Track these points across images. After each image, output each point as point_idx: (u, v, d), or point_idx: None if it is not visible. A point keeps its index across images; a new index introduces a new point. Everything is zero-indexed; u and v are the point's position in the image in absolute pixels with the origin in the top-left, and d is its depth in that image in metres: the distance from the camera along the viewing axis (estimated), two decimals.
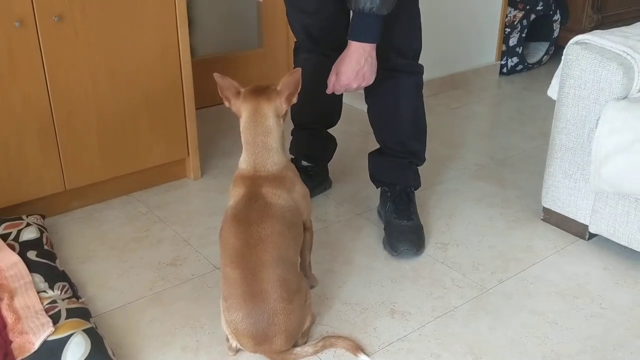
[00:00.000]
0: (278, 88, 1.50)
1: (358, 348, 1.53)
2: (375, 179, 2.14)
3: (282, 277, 1.43)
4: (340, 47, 1.77)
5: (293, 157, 2.28)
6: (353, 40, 1.70)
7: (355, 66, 1.70)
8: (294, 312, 1.45)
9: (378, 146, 2.12)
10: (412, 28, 1.94)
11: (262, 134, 1.49)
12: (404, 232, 1.96)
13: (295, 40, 2.18)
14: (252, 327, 1.42)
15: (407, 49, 1.95)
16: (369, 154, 2.15)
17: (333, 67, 1.74)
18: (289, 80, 1.49)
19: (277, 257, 1.44)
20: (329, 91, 1.77)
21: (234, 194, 1.52)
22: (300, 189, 1.57)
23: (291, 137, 2.29)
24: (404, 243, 1.93)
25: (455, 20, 3.35)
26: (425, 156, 2.11)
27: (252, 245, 1.43)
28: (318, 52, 2.06)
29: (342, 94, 2.18)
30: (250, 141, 1.51)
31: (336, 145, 2.33)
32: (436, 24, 3.25)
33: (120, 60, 2.06)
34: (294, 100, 1.52)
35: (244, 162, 1.53)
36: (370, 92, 2.05)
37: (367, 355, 1.52)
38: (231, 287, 1.44)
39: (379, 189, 2.13)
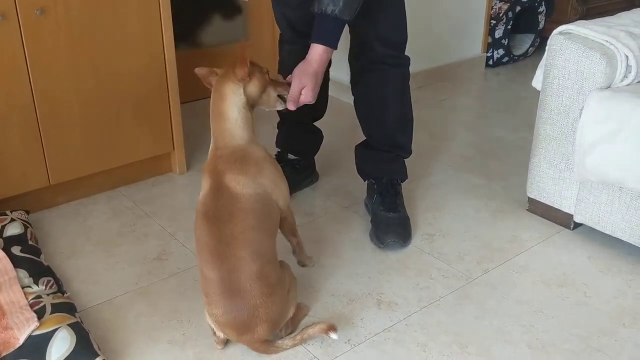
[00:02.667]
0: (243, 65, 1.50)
1: (329, 328, 1.50)
2: (362, 172, 2.14)
3: (260, 272, 1.42)
4: None
5: (279, 150, 2.27)
6: (315, 42, 1.67)
7: (316, 70, 1.64)
8: (275, 304, 1.45)
9: (364, 138, 2.12)
10: (397, 19, 1.94)
11: (217, 100, 1.50)
12: (391, 224, 1.96)
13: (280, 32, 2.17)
14: (233, 321, 1.42)
15: (392, 40, 1.95)
16: (356, 146, 2.15)
17: (294, 75, 1.64)
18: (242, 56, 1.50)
19: (252, 252, 1.42)
20: (291, 106, 1.63)
21: (203, 186, 1.51)
22: (269, 173, 1.51)
23: (277, 131, 2.28)
24: (390, 235, 1.93)
25: (441, 12, 3.35)
26: (412, 149, 2.11)
27: (225, 243, 1.42)
28: (302, 44, 2.05)
29: (327, 86, 2.18)
30: (210, 114, 1.52)
31: (322, 138, 2.33)
32: (422, 16, 3.25)
33: (104, 54, 2.05)
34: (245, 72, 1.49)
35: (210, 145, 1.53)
36: (357, 84, 2.05)
37: (335, 333, 1.50)
38: (210, 287, 1.43)
39: (366, 181, 2.13)
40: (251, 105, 1.53)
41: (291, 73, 1.69)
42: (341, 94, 3.19)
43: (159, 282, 1.79)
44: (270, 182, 1.52)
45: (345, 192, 2.30)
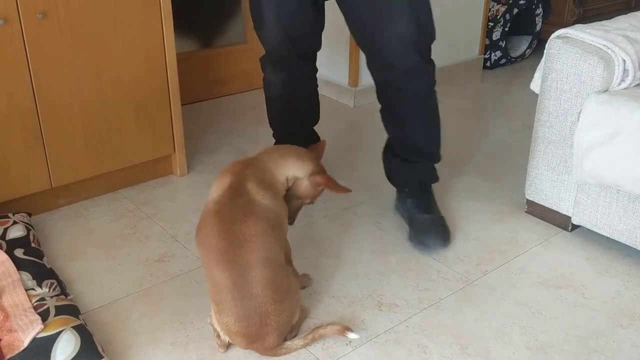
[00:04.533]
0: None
1: (345, 329, 1.53)
2: (392, 179, 2.11)
3: (271, 278, 1.42)
4: (311, 57, 1.84)
5: None
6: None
7: None
8: (285, 311, 1.46)
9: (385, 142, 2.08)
10: (419, 6, 1.81)
11: (281, 153, 1.61)
12: (429, 225, 1.97)
13: (263, 55, 2.09)
14: (245, 330, 1.43)
15: (412, 40, 1.78)
16: (383, 152, 2.10)
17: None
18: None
19: (264, 258, 1.42)
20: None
21: (218, 185, 1.50)
22: (285, 209, 1.57)
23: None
24: (431, 236, 1.94)
25: (439, 14, 3.36)
26: (441, 154, 2.06)
27: (237, 245, 1.41)
28: (288, 69, 2.02)
29: (318, 100, 2.20)
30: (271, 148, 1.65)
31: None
32: None
33: (106, 57, 2.06)
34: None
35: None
36: (377, 95, 1.99)
37: (354, 332, 1.54)
38: (221, 293, 1.43)
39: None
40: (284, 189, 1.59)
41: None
42: (339, 96, 3.21)
43: (161, 284, 1.81)
44: (283, 212, 1.54)
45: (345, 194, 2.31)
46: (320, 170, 1.59)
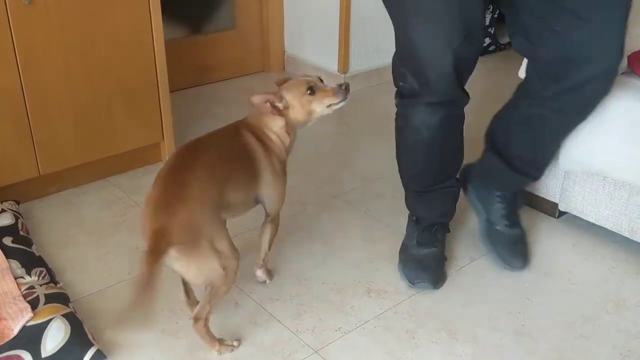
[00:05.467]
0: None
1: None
2: (487, 181, 1.93)
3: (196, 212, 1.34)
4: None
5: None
6: None
7: None
8: (196, 231, 1.34)
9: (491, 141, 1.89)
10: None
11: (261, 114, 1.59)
12: (518, 242, 1.88)
13: (406, 94, 1.66)
14: (155, 199, 1.36)
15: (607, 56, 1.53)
16: (486, 150, 1.90)
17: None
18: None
19: (205, 184, 1.38)
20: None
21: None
22: (272, 172, 1.57)
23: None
24: (518, 257, 1.84)
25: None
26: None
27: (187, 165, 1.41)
28: (449, 106, 1.66)
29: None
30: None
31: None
32: None
33: (94, 43, 2.04)
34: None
35: None
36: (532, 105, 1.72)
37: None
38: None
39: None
40: (293, 127, 1.60)
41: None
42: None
43: None
44: (268, 180, 1.56)
45: (335, 181, 2.32)
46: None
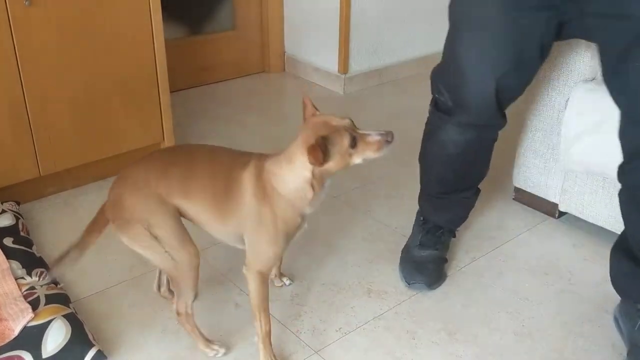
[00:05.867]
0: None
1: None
2: (620, 287, 1.61)
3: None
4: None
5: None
6: None
7: None
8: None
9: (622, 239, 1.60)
10: None
11: (291, 152, 1.34)
12: None
13: (441, 108, 1.62)
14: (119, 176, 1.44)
15: None
16: (614, 249, 1.63)
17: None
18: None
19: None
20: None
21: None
22: (266, 229, 1.36)
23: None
24: None
25: (428, 1, 3.36)
26: None
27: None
28: (482, 130, 1.61)
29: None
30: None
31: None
32: (409, 6, 3.26)
33: (93, 44, 2.05)
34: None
35: None
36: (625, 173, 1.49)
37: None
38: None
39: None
40: (320, 179, 1.35)
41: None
42: (328, 83, 3.21)
43: (152, 272, 1.80)
44: (255, 232, 1.38)
45: (335, 181, 2.31)
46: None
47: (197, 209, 1.41)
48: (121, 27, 2.08)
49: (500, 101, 1.50)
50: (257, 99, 3.07)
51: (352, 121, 1.34)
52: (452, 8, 1.51)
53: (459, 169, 1.70)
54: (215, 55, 3.21)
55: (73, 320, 1.49)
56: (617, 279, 1.61)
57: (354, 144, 1.31)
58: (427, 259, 1.77)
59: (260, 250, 1.40)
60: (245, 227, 1.40)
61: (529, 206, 2.14)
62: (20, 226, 1.87)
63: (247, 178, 1.37)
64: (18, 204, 2.02)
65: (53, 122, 2.04)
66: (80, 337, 1.45)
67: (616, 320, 1.63)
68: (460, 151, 1.62)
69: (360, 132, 1.33)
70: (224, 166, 1.42)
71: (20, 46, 1.90)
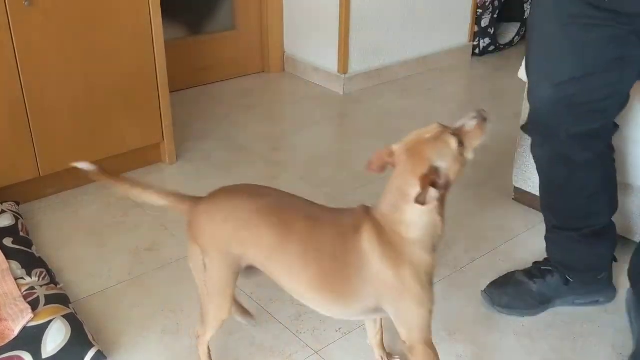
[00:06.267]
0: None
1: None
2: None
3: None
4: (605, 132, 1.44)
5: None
6: None
7: None
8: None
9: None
10: None
11: (400, 187, 1.21)
12: None
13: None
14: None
15: None
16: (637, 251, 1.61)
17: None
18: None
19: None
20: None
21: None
22: (406, 294, 1.19)
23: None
24: None
25: (428, 1, 3.37)
26: None
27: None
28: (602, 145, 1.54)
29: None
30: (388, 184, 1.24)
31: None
32: (409, 6, 3.26)
33: (93, 44, 2.05)
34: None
35: None
36: None
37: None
38: None
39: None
40: (443, 199, 1.21)
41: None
42: (328, 83, 3.21)
43: (152, 272, 1.81)
44: (400, 300, 1.20)
45: (334, 182, 2.32)
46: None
47: (293, 287, 1.29)
48: (121, 27, 2.09)
49: (561, 112, 1.45)
50: (256, 99, 3.07)
51: (439, 123, 1.23)
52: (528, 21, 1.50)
53: (587, 196, 1.58)
54: (214, 55, 3.21)
55: (73, 320, 1.49)
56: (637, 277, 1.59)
57: (460, 142, 1.21)
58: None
59: (413, 318, 1.21)
60: (382, 300, 1.20)
61: (528, 206, 2.14)
62: (20, 226, 1.87)
63: (368, 242, 1.18)
64: (18, 204, 2.02)
65: (53, 122, 2.04)
66: (80, 338, 1.45)
67: (629, 309, 1.64)
68: (582, 172, 1.55)
69: (455, 127, 1.23)
70: (327, 237, 1.22)
71: (20, 46, 1.90)
